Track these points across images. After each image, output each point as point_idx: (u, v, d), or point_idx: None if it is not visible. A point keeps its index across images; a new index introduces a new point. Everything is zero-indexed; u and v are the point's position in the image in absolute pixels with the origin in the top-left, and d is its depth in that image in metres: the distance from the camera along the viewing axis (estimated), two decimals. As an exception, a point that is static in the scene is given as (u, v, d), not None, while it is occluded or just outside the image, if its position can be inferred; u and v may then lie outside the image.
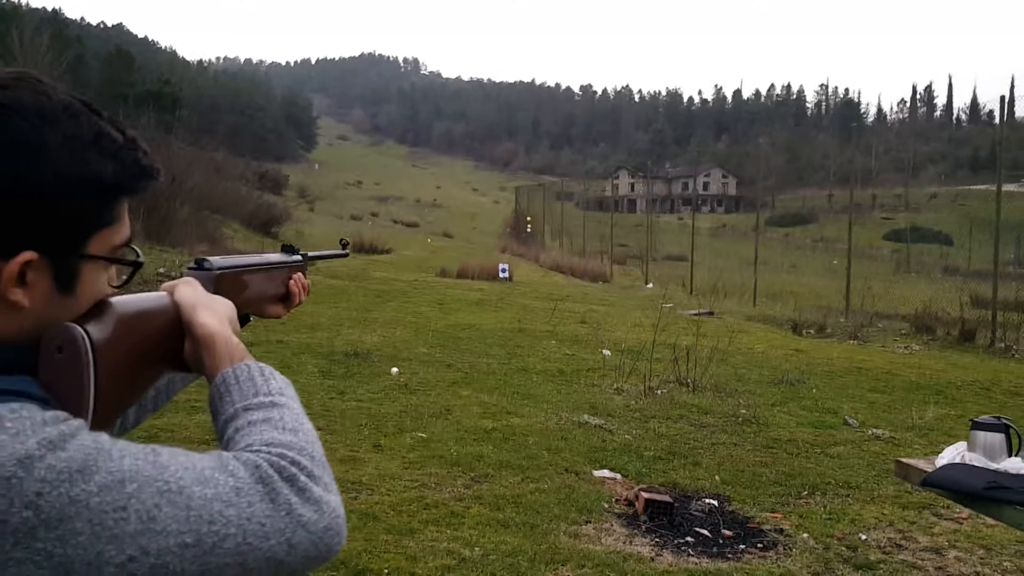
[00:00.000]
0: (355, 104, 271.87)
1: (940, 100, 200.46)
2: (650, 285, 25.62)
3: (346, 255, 1.86)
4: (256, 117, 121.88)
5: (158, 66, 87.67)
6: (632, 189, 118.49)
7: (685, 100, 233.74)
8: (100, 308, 0.96)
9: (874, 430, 7.60)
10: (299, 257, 1.48)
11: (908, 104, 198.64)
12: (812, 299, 20.23)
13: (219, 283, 1.21)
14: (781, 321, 16.55)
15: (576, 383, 8.89)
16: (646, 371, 8.91)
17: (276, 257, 1.42)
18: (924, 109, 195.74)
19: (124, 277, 1.04)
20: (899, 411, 8.50)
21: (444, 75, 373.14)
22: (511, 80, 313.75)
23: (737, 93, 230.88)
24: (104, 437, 0.84)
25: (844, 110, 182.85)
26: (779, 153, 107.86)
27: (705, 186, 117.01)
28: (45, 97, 0.91)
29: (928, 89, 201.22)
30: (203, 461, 0.86)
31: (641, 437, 7.00)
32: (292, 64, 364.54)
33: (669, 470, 6.21)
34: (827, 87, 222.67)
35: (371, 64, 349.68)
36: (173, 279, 1.14)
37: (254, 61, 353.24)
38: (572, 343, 11.45)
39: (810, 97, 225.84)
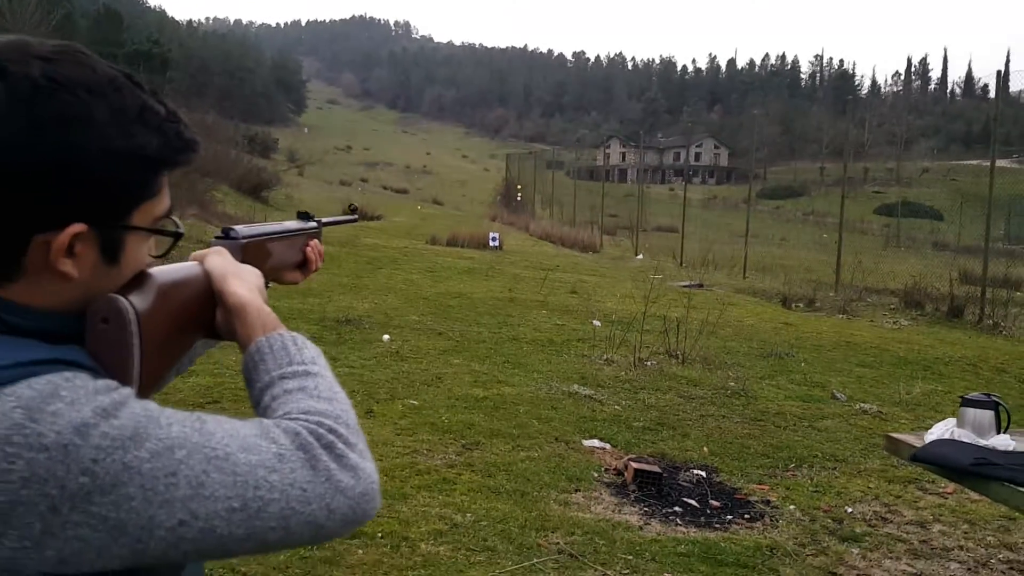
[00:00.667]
0: (345, 68, 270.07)
1: (935, 73, 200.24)
2: (640, 256, 25.66)
3: (355, 220, 1.87)
4: (246, 79, 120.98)
5: (147, 26, 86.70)
6: (623, 159, 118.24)
7: (679, 69, 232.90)
8: (141, 279, 0.99)
9: (862, 404, 7.68)
10: (315, 224, 1.51)
11: (903, 77, 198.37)
12: (802, 273, 20.29)
13: (245, 252, 1.24)
14: (771, 294, 16.60)
15: (566, 353, 8.94)
16: (636, 342, 8.96)
17: (294, 224, 1.44)
18: (919, 82, 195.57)
19: (164, 248, 1.07)
20: (887, 386, 8.58)
21: (436, 39, 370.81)
22: (503, 46, 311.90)
23: (731, 62, 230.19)
24: (152, 405, 0.87)
25: (839, 82, 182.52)
26: (772, 125, 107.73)
27: (697, 157, 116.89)
28: (90, 70, 0.92)
29: (923, 62, 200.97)
30: (246, 428, 0.89)
31: (630, 408, 7.06)
32: (282, 26, 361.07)
33: (658, 441, 6.27)
34: (822, 58, 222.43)
35: (362, 27, 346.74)
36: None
37: (244, 22, 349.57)
38: (563, 313, 11.49)
39: (804, 68, 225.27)
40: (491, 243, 21.38)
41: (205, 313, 1.08)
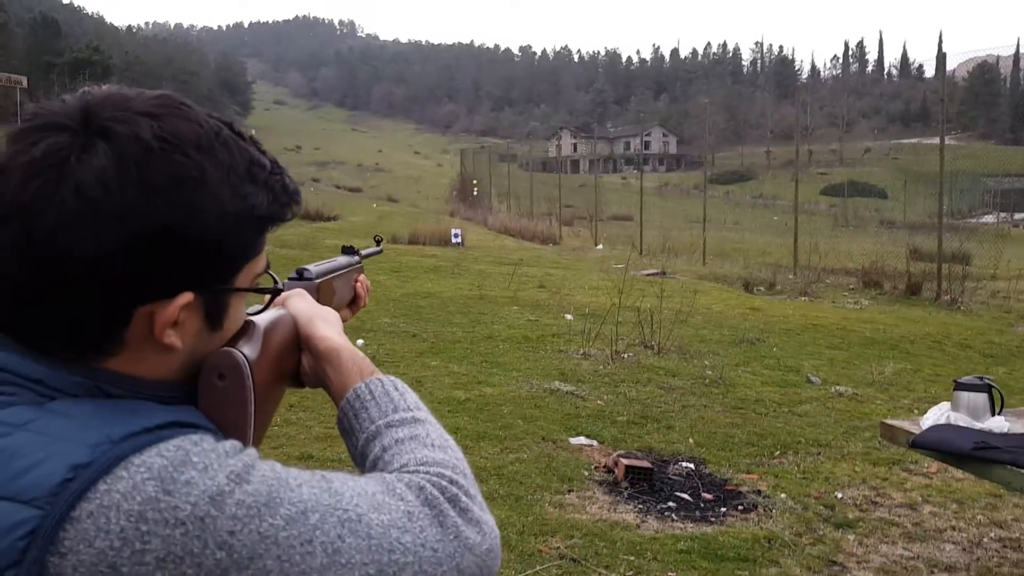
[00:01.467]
0: (291, 68, 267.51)
1: (871, 56, 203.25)
2: (600, 247, 25.70)
3: (381, 251, 1.80)
4: (190, 83, 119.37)
5: (85, 33, 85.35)
6: (575, 149, 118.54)
7: (624, 60, 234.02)
8: (247, 329, 0.94)
9: (836, 387, 7.73)
10: (359, 258, 1.48)
11: (841, 60, 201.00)
12: (759, 256, 20.48)
13: (318, 292, 1.20)
14: (732, 279, 16.71)
15: (543, 349, 8.88)
16: (611, 335, 8.92)
17: (346, 260, 1.41)
18: (856, 65, 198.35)
19: (262, 304, 1.01)
20: (857, 367, 8.64)
21: (382, 37, 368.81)
22: (450, 42, 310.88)
23: (675, 52, 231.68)
24: (278, 465, 0.81)
25: (779, 67, 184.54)
26: (718, 111, 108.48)
27: (647, 145, 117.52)
28: (197, 125, 0.85)
29: (860, 45, 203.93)
30: (371, 485, 0.83)
31: (613, 402, 7.02)
32: (224, 28, 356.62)
33: (644, 434, 6.23)
34: (762, 45, 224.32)
35: (306, 27, 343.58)
36: None
37: (185, 26, 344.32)
38: (534, 308, 11.42)
39: (746, 55, 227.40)
40: (453, 239, 21.26)
41: (294, 360, 1.03)
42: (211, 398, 0.87)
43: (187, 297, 0.84)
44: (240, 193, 0.85)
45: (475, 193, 43.37)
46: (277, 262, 1.27)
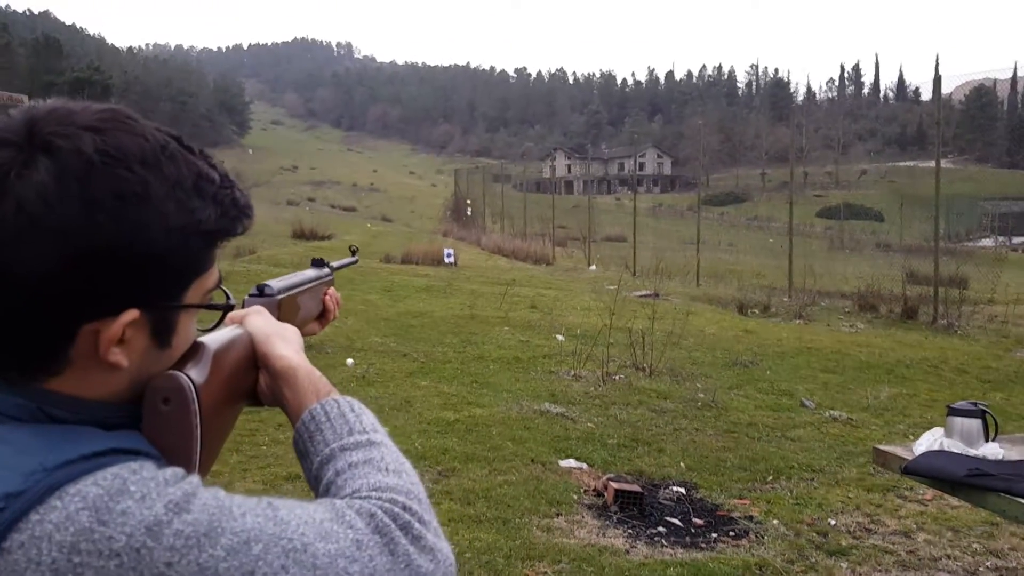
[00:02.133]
0: (288, 89, 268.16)
1: (867, 78, 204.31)
2: (593, 267, 25.68)
3: (357, 261, 1.78)
4: (189, 103, 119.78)
5: (87, 53, 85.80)
6: (569, 170, 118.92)
7: (619, 82, 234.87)
8: (195, 350, 0.92)
9: (831, 412, 7.65)
10: (329, 271, 1.45)
11: (836, 83, 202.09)
12: (754, 278, 20.45)
13: (280, 308, 1.18)
14: (726, 301, 16.67)
15: (533, 370, 8.81)
16: (602, 356, 8.85)
17: (313, 273, 1.38)
18: (852, 88, 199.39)
19: (212, 320, 1.01)
20: (852, 391, 8.57)
21: (378, 59, 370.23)
22: (445, 64, 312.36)
23: (670, 74, 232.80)
24: (221, 492, 0.79)
25: (774, 90, 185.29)
26: (712, 133, 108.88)
27: (641, 166, 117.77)
28: (143, 139, 0.83)
29: (856, 68, 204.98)
30: (319, 512, 0.81)
31: (603, 425, 6.94)
32: (224, 50, 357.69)
33: (634, 458, 6.16)
34: (757, 67, 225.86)
35: (304, 49, 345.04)
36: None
37: (185, 47, 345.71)
38: (525, 329, 11.37)
39: (741, 77, 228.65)
40: (446, 259, 21.24)
41: (250, 380, 1.02)
42: (155, 423, 0.85)
43: (133, 314, 0.82)
44: (187, 207, 0.84)
45: (469, 213, 43.38)
46: (269, 280, 1.23)
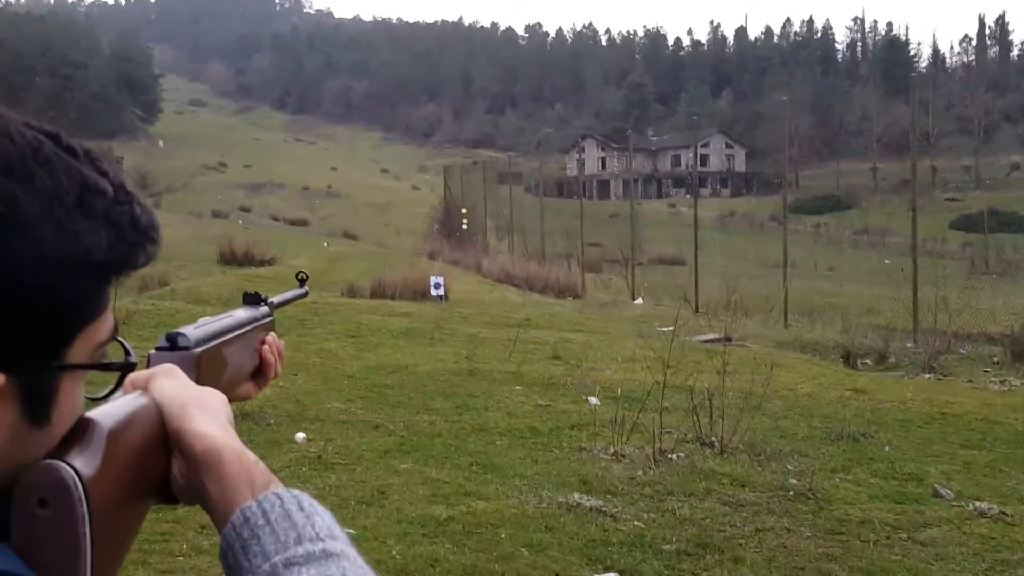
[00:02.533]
0: (213, 57, 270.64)
1: (1017, 36, 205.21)
2: (639, 301, 25.76)
3: (306, 293, 1.81)
4: (75, 78, 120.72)
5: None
6: (603, 166, 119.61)
7: (671, 43, 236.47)
8: (83, 430, 0.90)
9: (975, 503, 7.64)
10: (267, 309, 1.47)
11: (974, 43, 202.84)
12: (863, 316, 20.46)
13: (200, 365, 1.17)
14: (826, 348, 16.67)
15: (557, 446, 8.83)
16: (654, 427, 8.84)
17: (244, 314, 1.39)
18: (996, 50, 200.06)
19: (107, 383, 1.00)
20: (1006, 475, 8.57)
21: (337, 14, 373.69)
22: (430, 19, 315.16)
23: (741, 32, 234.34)
24: None
25: (887, 53, 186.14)
26: (803, 113, 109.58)
27: (703, 160, 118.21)
28: (7, 139, 0.83)
29: (1000, 23, 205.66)
30: None
31: (656, 523, 6.95)
32: (124, 3, 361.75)
33: (700, 570, 6.16)
34: (863, 22, 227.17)
35: (234, 2, 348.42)
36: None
37: (69, 1, 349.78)
38: (545, 388, 11.42)
39: (840, 36, 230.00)
40: (433, 291, 21.31)
41: (159, 468, 1.00)
42: (29, 531, 0.84)
43: None
44: (69, 231, 0.84)
45: (464, 227, 43.60)
46: (185, 323, 1.23)
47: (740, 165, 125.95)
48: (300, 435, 8.70)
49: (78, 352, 0.89)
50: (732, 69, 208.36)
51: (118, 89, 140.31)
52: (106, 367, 0.95)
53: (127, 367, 0.98)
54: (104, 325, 0.92)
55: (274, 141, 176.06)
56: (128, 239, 0.90)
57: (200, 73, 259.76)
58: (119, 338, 0.96)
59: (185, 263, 25.89)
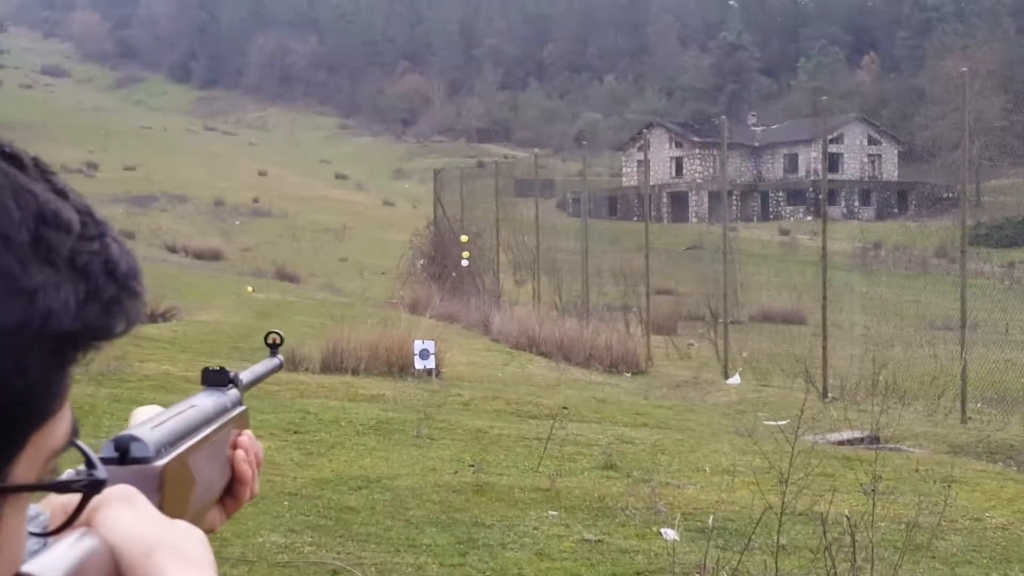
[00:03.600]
0: (79, 4, 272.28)
1: None
2: (735, 379, 25.70)
3: (280, 365, 1.92)
4: None
5: None
6: (679, 170, 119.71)
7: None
8: None
9: None
10: (237, 393, 1.54)
11: None
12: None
13: (162, 486, 1.20)
14: (1021, 452, 16.61)
15: (615, 607, 8.82)
16: (764, 573, 8.84)
17: (209, 403, 1.44)
18: None
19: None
20: None
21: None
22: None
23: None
24: None
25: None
26: (987, 92, 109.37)
27: (834, 162, 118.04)
28: None
29: None
30: None
31: None
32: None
33: None
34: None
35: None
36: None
37: None
38: (594, 515, 11.42)
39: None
40: (418, 363, 21.33)
41: None
42: None
43: None
44: (20, 288, 0.85)
45: (465, 263, 43.60)
46: None
47: (890, 170, 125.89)
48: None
49: (26, 466, 0.90)
50: (879, 25, 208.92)
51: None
52: (64, 487, 0.97)
53: (94, 486, 1.00)
54: (61, 425, 0.93)
55: (172, 130, 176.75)
56: (102, 294, 0.91)
57: (57, 27, 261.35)
58: (78, 442, 0.97)
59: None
